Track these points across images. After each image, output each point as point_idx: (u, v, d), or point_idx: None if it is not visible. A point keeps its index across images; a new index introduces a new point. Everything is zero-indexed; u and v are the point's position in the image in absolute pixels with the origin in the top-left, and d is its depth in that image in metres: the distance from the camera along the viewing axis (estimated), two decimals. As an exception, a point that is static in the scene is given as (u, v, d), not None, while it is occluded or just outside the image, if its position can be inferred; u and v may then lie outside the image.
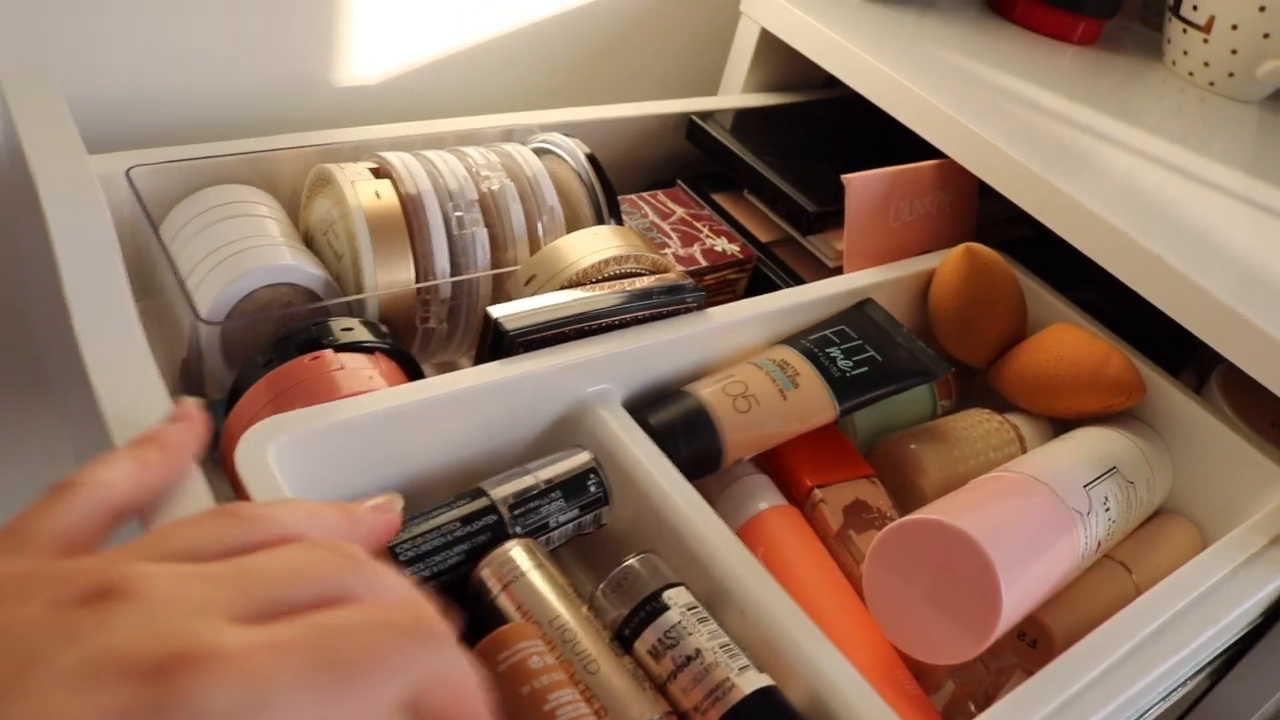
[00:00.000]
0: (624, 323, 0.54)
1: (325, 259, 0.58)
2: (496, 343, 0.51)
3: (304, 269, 0.55)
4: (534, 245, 0.59)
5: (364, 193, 0.55)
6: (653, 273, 0.57)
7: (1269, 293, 0.58)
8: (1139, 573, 0.53)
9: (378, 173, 0.57)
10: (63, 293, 0.45)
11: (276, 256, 0.54)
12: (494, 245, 0.58)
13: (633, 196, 0.72)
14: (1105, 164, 0.68)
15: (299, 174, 0.61)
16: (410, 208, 0.56)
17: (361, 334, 0.51)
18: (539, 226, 0.59)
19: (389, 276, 0.55)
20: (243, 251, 0.54)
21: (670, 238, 0.69)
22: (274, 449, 0.42)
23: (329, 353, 0.49)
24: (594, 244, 0.56)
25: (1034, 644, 0.50)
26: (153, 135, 0.66)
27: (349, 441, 0.45)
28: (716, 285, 0.69)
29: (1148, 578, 0.52)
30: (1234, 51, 0.82)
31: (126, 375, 0.43)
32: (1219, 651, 0.54)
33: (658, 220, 0.70)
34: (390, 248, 0.55)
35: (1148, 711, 0.50)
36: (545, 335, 0.51)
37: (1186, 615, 0.48)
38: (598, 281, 0.55)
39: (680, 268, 0.65)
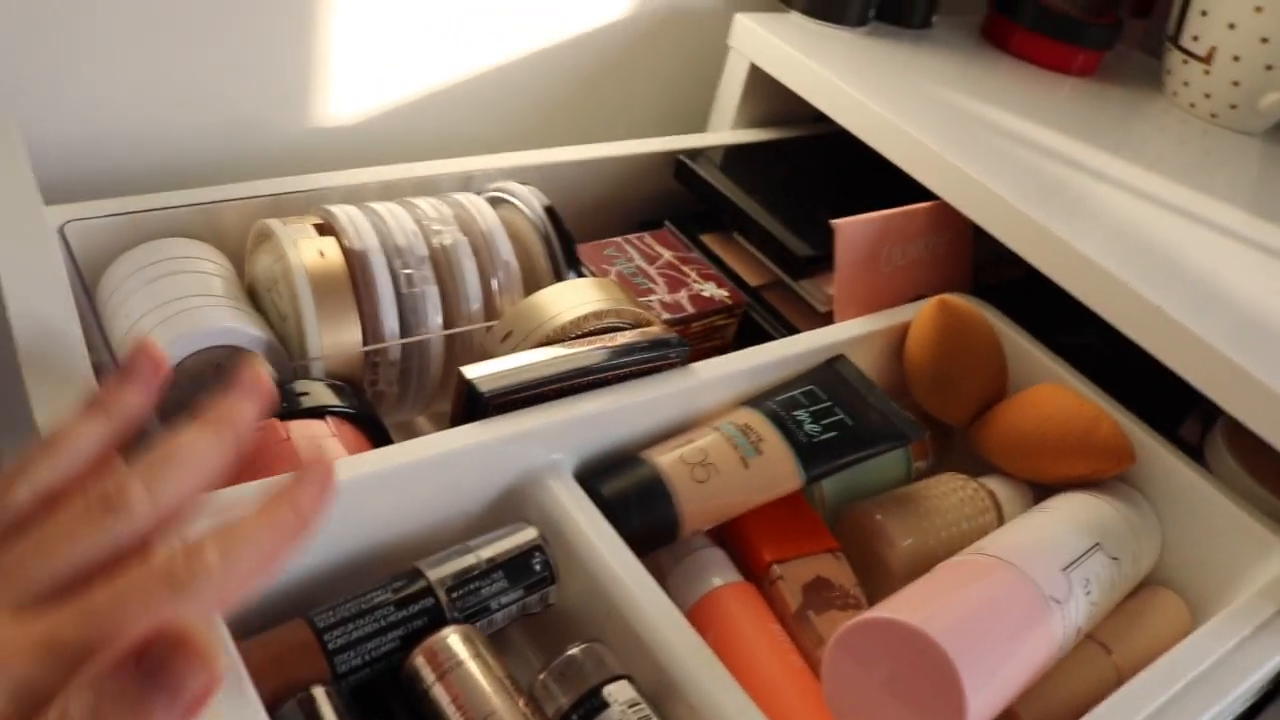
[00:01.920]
0: (604, 380, 0.53)
1: (270, 317, 0.57)
2: (471, 404, 0.50)
3: (245, 330, 0.54)
4: (488, 302, 0.59)
5: (307, 251, 0.54)
6: (635, 326, 0.56)
7: (1271, 342, 0.57)
8: (1119, 653, 0.51)
9: (323, 228, 0.56)
10: (16, 359, 0.45)
11: (217, 318, 0.54)
12: (446, 303, 0.57)
13: (618, 240, 0.71)
14: (1103, 203, 0.67)
15: (250, 224, 0.60)
16: (356, 265, 0.55)
17: (318, 398, 0.51)
18: (493, 283, 0.59)
19: (334, 338, 0.54)
20: (183, 313, 0.54)
21: (656, 283, 0.68)
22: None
23: (275, 422, 0.49)
24: (574, 298, 0.56)
25: (1005, 733, 0.49)
26: (108, 180, 0.65)
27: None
28: (704, 332, 0.69)
29: (1129, 659, 0.51)
30: (1236, 83, 0.81)
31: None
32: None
33: (644, 264, 0.70)
34: (335, 309, 0.54)
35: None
36: (522, 396, 0.51)
37: (1170, 709, 0.47)
38: (578, 337, 0.54)
39: (665, 315, 0.64)
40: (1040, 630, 0.46)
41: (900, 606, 0.43)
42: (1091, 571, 0.50)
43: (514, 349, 0.54)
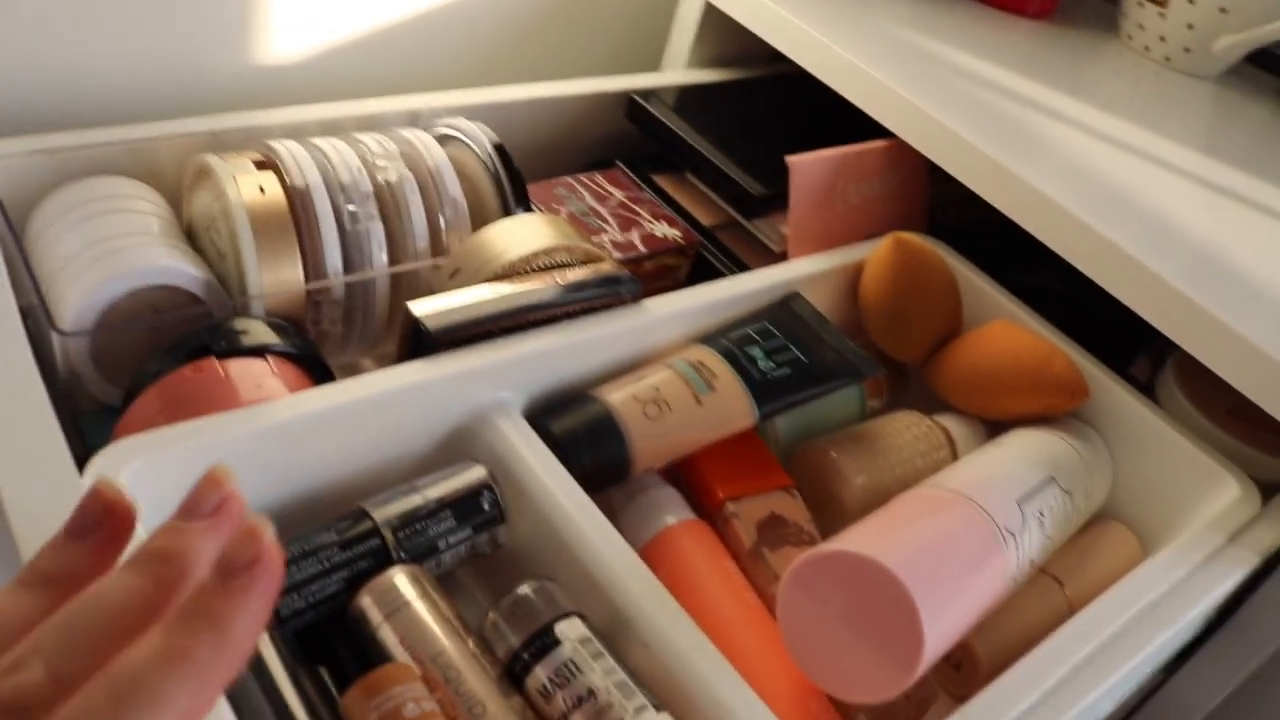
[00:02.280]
0: (554, 317, 0.52)
1: (208, 257, 0.55)
2: (417, 342, 0.49)
3: (183, 269, 0.52)
4: (435, 240, 0.57)
5: (246, 187, 0.52)
6: (585, 263, 0.55)
7: (1223, 278, 0.57)
8: (1072, 587, 0.51)
9: (263, 164, 0.54)
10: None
11: (153, 257, 0.52)
12: (391, 241, 0.56)
13: (568, 179, 0.70)
14: (1058, 143, 0.67)
15: (187, 163, 0.58)
16: (298, 202, 0.53)
17: (258, 337, 0.49)
18: (440, 220, 0.57)
19: (275, 277, 0.52)
20: (117, 252, 0.52)
21: (608, 223, 0.67)
22: (129, 474, 0.39)
23: (212, 361, 0.47)
24: (524, 234, 0.54)
25: (958, 666, 0.49)
26: (34, 116, 0.62)
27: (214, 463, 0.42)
28: (657, 272, 0.67)
29: (1081, 592, 0.50)
30: (1190, 26, 0.80)
31: (12, 399, 0.41)
32: (1170, 655, 0.53)
33: (595, 204, 0.68)
34: (276, 246, 0.52)
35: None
36: (470, 333, 0.49)
37: (1122, 637, 0.47)
38: (527, 274, 0.53)
39: (617, 255, 0.63)
40: (995, 562, 0.45)
41: (855, 539, 0.42)
42: (1045, 504, 0.50)
43: (462, 286, 0.52)
